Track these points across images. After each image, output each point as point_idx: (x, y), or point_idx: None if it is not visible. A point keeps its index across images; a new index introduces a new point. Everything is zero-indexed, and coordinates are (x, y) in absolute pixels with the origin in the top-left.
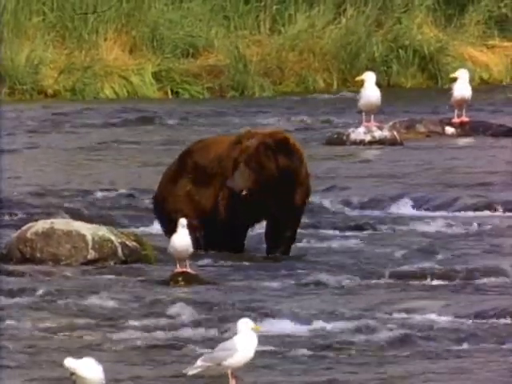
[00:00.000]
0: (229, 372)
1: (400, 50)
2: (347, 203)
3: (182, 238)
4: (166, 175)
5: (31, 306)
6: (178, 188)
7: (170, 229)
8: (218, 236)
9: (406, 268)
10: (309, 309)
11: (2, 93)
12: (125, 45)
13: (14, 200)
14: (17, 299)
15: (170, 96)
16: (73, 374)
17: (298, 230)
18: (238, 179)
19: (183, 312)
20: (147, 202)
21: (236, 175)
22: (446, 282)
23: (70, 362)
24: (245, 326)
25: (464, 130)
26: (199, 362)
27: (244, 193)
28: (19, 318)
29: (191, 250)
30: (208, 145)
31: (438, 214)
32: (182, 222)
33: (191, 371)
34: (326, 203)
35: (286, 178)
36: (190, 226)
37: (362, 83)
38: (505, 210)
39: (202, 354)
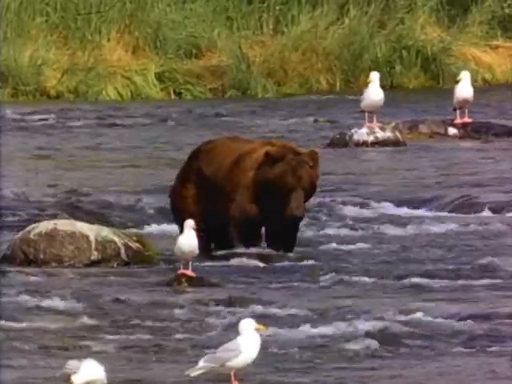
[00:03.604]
0: (231, 373)
1: (403, 51)
2: (350, 204)
3: (188, 240)
4: (178, 173)
5: (34, 306)
6: (186, 188)
7: (182, 227)
8: (223, 237)
9: (407, 268)
10: (312, 309)
11: (4, 93)
12: (128, 45)
13: (16, 201)
14: (19, 300)
15: (173, 96)
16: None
17: (302, 231)
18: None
19: (186, 313)
20: (150, 202)
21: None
22: (446, 282)
23: (72, 365)
24: (248, 326)
25: (466, 130)
26: (202, 363)
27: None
28: (21, 318)
29: (197, 251)
30: (213, 149)
31: (440, 214)
32: (189, 223)
33: (194, 372)
34: (329, 204)
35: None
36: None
37: (365, 84)
38: (507, 211)
39: (204, 355)
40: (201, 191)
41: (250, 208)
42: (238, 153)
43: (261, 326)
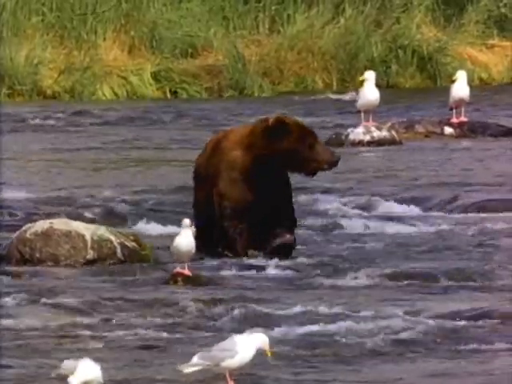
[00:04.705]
0: (227, 373)
1: (399, 50)
2: (346, 203)
3: (185, 239)
4: None
5: (30, 306)
6: (194, 187)
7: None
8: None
9: (405, 268)
10: (309, 309)
11: (0, 93)
12: (124, 45)
13: (13, 201)
14: (16, 299)
15: (169, 96)
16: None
17: (298, 231)
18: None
19: (182, 312)
20: (146, 202)
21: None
22: (444, 282)
23: (68, 365)
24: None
25: (463, 130)
26: (196, 360)
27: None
28: (18, 318)
29: (193, 251)
30: (207, 144)
31: (436, 214)
32: (186, 222)
33: (188, 369)
34: (325, 203)
35: None
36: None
37: (361, 83)
38: (504, 211)
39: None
40: (197, 188)
41: (236, 191)
42: (214, 139)
43: (269, 351)
